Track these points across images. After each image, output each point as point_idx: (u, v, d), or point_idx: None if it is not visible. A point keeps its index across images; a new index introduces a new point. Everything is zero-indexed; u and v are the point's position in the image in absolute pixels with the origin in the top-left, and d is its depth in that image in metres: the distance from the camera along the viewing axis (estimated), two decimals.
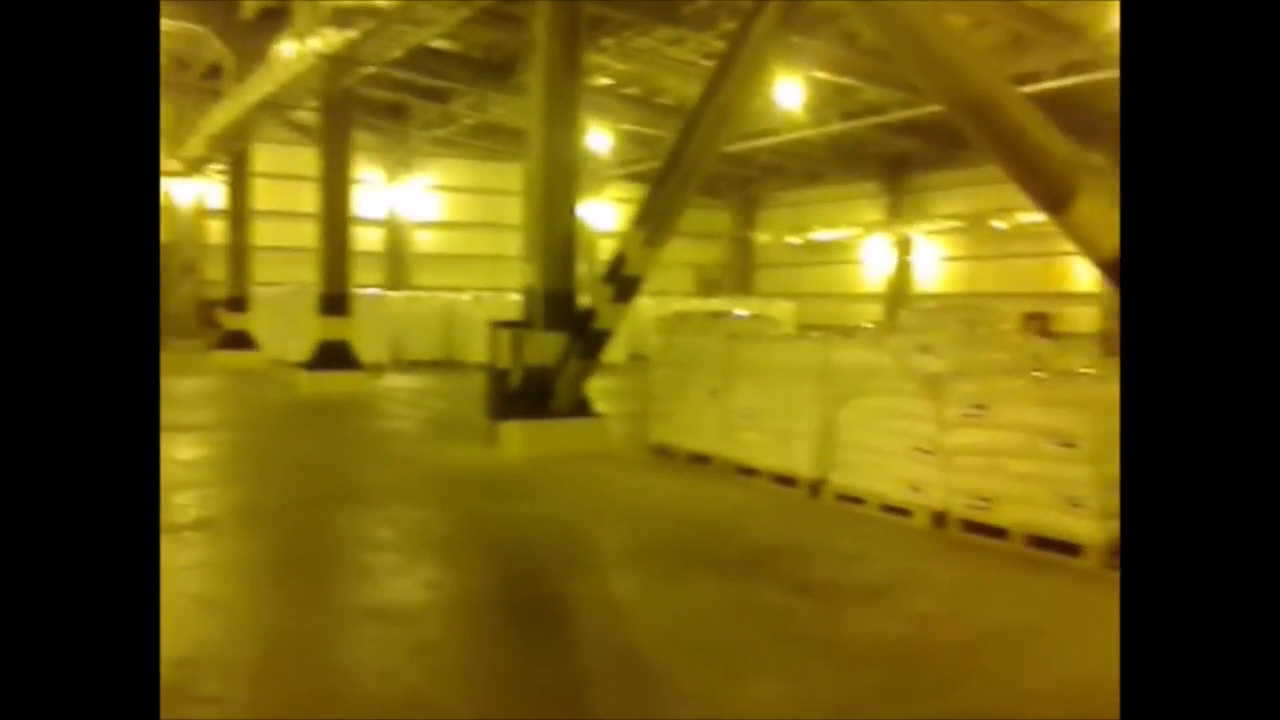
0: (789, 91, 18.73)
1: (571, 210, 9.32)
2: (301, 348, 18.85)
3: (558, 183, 9.19)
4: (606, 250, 31.09)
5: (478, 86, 22.73)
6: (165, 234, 23.80)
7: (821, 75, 18.92)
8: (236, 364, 19.36)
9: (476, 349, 21.39)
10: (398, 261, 27.90)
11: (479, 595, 5.33)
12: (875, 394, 7.19)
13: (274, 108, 16.25)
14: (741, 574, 5.58)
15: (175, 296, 23.86)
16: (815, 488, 7.59)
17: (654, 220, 8.60)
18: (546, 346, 9.13)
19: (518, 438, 9.11)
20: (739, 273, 33.15)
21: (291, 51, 13.65)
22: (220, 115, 17.80)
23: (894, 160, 27.02)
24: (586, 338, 9.01)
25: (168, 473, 8.63)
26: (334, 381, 14.64)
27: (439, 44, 20.34)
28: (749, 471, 8.28)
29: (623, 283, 8.77)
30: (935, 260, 27.44)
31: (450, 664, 4.29)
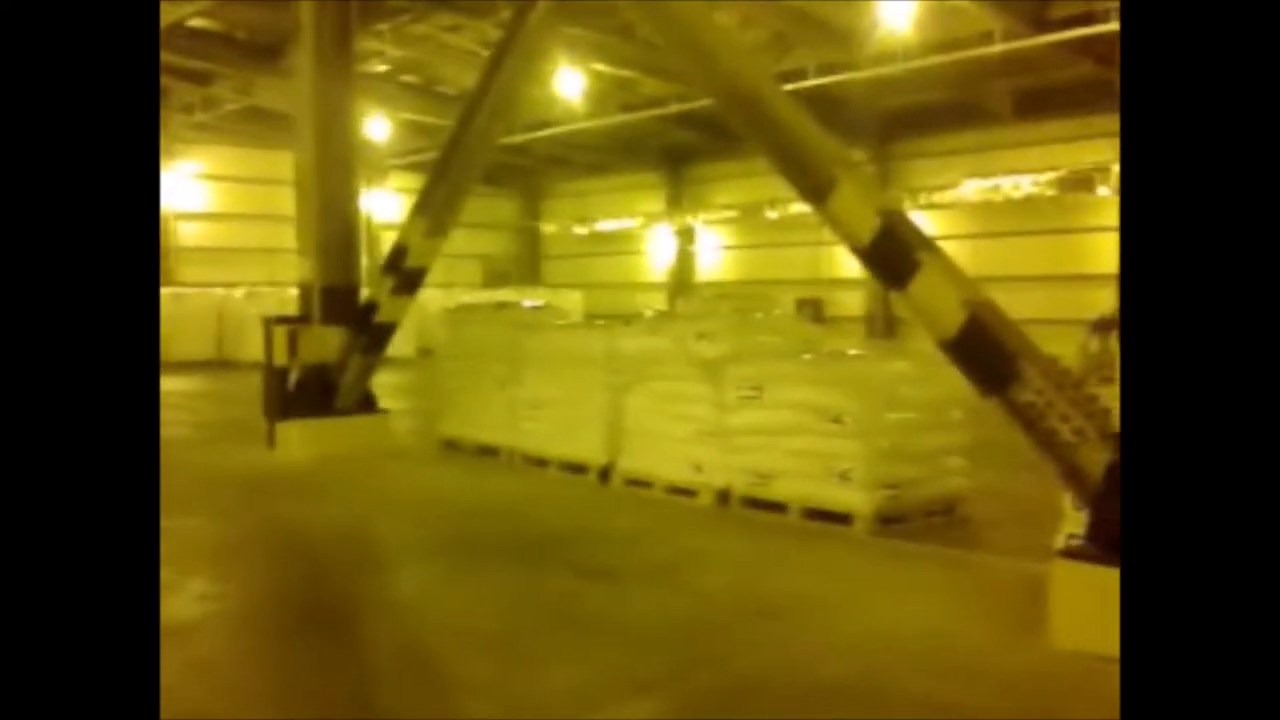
0: (569, 82, 18.86)
1: (350, 200, 9.03)
2: None
3: (333, 172, 8.86)
4: (389, 241, 30.34)
5: (242, 69, 21.56)
6: None
7: (601, 67, 19.18)
8: None
9: (252, 347, 20.46)
10: (160, 255, 26.03)
11: (258, 605, 5.10)
12: (658, 379, 7.38)
13: None
14: (531, 562, 5.61)
15: None
16: (604, 474, 7.72)
17: (435, 210, 8.44)
18: (326, 342, 8.80)
19: (299, 438, 8.75)
20: (527, 263, 33.10)
21: None
22: None
23: (674, 151, 27.71)
24: (369, 332, 8.74)
25: None
26: None
27: (199, 22, 19.15)
28: (539, 461, 8.31)
29: (405, 275, 8.56)
30: (715, 249, 28.40)
31: (231, 678, 4.09)
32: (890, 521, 6.17)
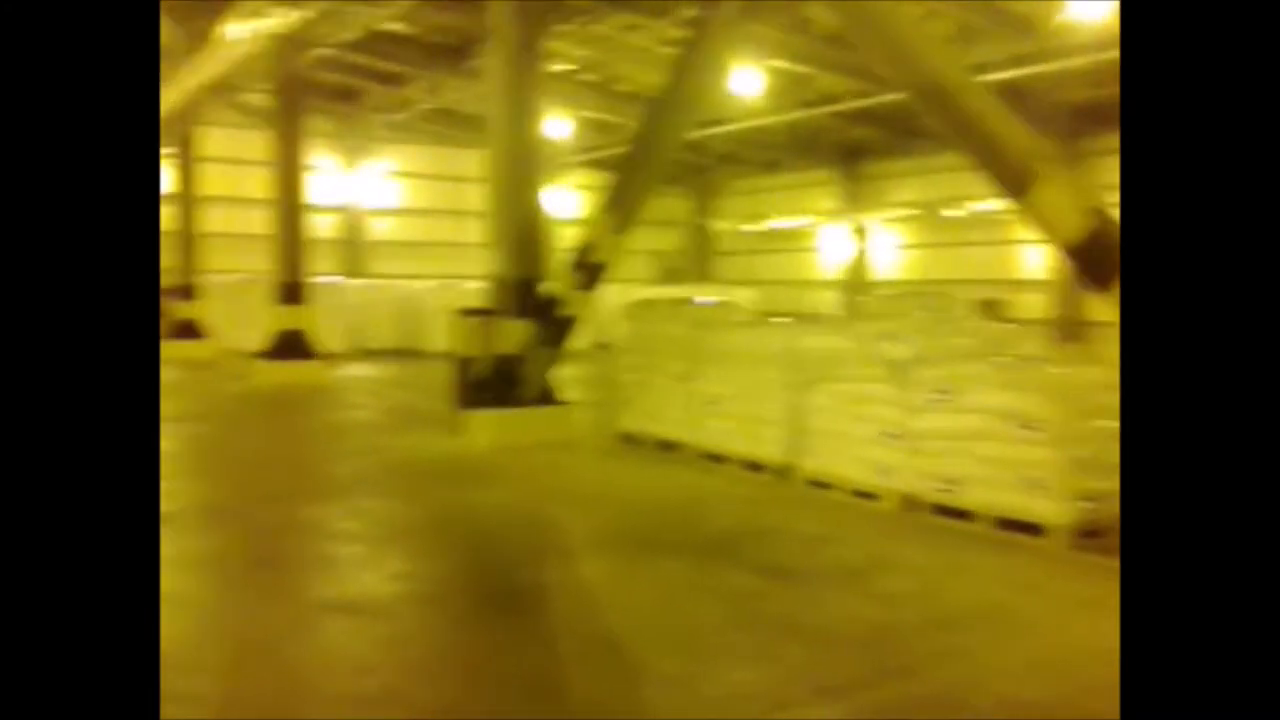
0: (746, 79, 18.75)
1: (535, 197, 9.27)
2: (255, 337, 18.60)
3: (520, 169, 9.12)
4: (565, 238, 31.02)
5: (432, 70, 22.48)
6: None
7: (778, 63, 18.98)
8: (186, 354, 19.01)
9: (437, 337, 21.38)
10: (354, 249, 27.54)
11: (448, 585, 5.32)
12: (842, 380, 7.25)
13: (223, 90, 15.88)
14: (712, 559, 5.61)
15: None
16: (784, 473, 7.65)
17: (622, 207, 8.57)
18: (513, 334, 9.08)
19: (484, 427, 9.06)
20: (698, 260, 33.19)
21: (241, 32, 13.37)
22: (168, 95, 17.37)
23: (849, 148, 27.14)
24: (552, 325, 8.97)
25: None
26: (291, 371, 14.45)
27: (393, 27, 20.09)
28: (717, 458, 8.32)
29: (590, 269, 8.74)
30: (891, 248, 27.63)
31: (423, 656, 4.27)
32: (1088, 535, 5.84)
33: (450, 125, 26.60)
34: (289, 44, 12.59)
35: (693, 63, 8.08)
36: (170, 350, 18.90)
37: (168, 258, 21.06)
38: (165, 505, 6.96)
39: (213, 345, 19.37)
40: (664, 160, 8.68)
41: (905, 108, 6.56)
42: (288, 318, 14.78)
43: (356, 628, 4.50)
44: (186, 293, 20.02)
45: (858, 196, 27.90)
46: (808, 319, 8.46)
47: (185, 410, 12.33)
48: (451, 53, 21.84)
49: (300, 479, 7.95)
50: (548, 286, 9.21)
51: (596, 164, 29.72)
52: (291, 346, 14.72)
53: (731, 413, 8.19)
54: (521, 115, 9.11)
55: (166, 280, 21.20)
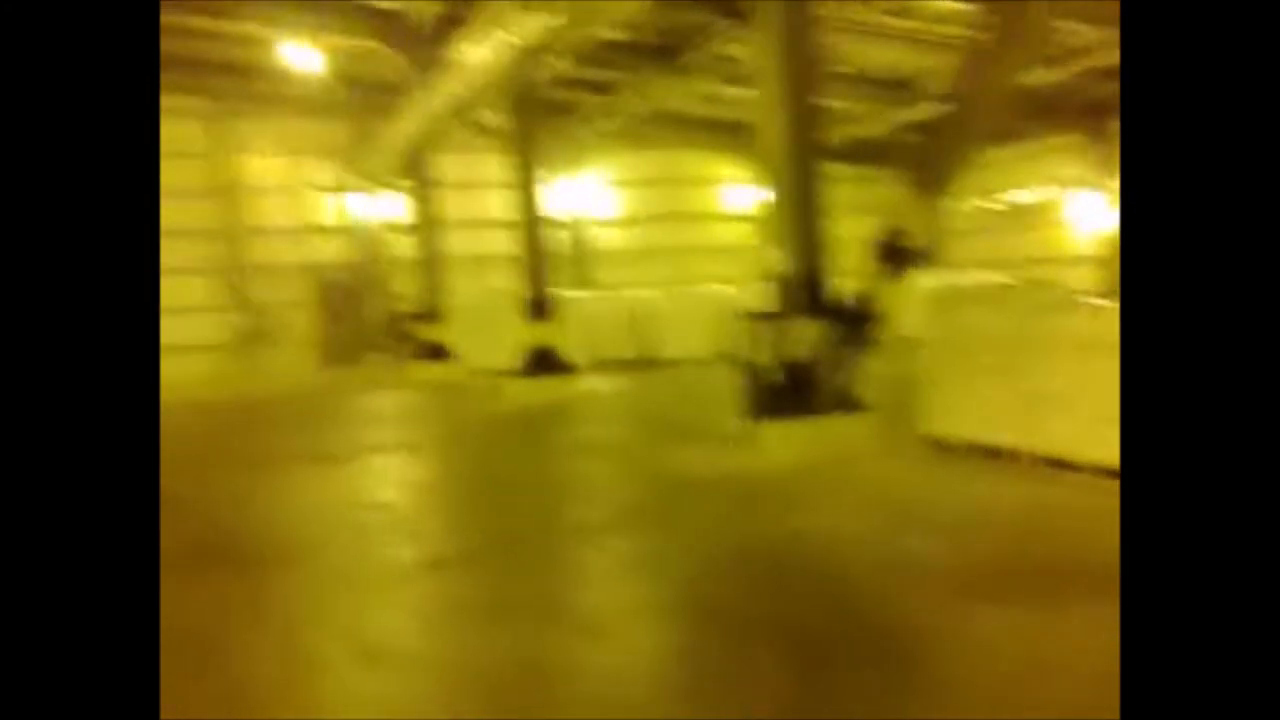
0: None
1: (817, 188, 8.38)
2: (502, 355, 18.66)
3: (804, 161, 8.26)
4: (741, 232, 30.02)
5: (642, 72, 22.00)
6: (352, 252, 24.20)
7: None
8: (434, 376, 19.32)
9: (671, 345, 20.95)
10: (580, 260, 27.55)
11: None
12: None
13: (461, 112, 15.92)
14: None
15: (366, 312, 24.15)
16: None
17: (937, 183, 7.54)
18: (805, 336, 8.22)
19: (781, 439, 8.24)
20: (927, 243, 31.34)
21: (480, 49, 13.19)
22: (404, 126, 17.67)
23: (1097, 106, 24.74)
24: (853, 323, 8.05)
25: (400, 500, 8.27)
26: (548, 388, 14.20)
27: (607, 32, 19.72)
28: (1062, 464, 7.14)
29: (899, 255, 7.77)
30: None
31: None
32: None
33: (662, 128, 26.16)
34: (531, 54, 12.28)
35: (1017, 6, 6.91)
36: (418, 373, 19.29)
37: (411, 283, 21.61)
38: (440, 545, 6.57)
39: (459, 366, 19.59)
40: (986, 123, 7.51)
41: None
42: (539, 333, 14.56)
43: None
44: (431, 315, 20.39)
45: (1111, 160, 25.38)
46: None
47: (447, 433, 12.23)
48: (660, 52, 21.30)
49: (595, 505, 7.37)
50: (854, 283, 8.25)
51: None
52: (542, 362, 14.48)
53: (1085, 413, 6.98)
54: (798, 102, 8.24)
55: (410, 305, 21.79)
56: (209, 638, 4.65)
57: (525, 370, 14.43)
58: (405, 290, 22.44)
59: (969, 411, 8.01)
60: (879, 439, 8.43)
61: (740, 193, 29.49)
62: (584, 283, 26.47)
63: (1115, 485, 6.62)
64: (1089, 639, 4.00)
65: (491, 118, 18.90)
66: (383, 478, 9.34)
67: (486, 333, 19.36)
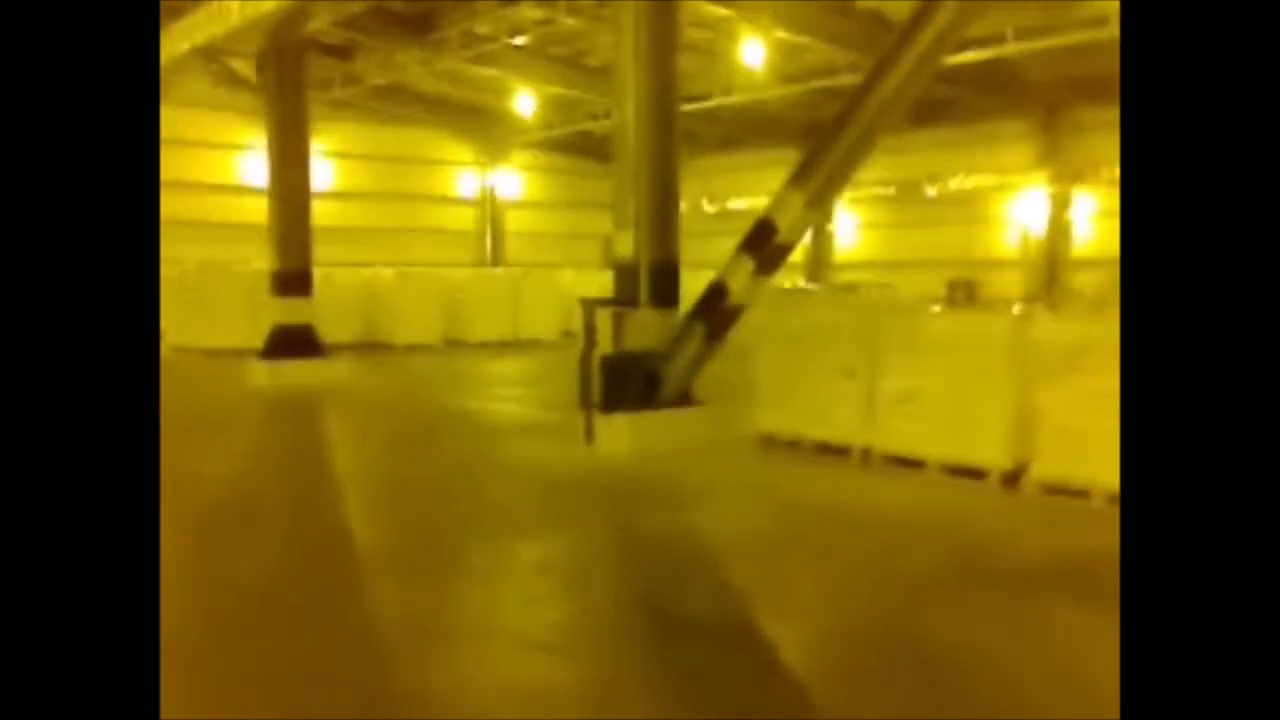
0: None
1: (674, 168, 8.13)
2: (222, 333, 16.78)
3: (659, 135, 7.97)
4: (512, 221, 29.44)
5: (390, 41, 20.76)
6: None
7: None
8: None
9: (404, 329, 19.87)
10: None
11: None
12: (1095, 373, 6.43)
13: (209, 57, 14.09)
14: (1026, 589, 4.73)
15: None
16: (1012, 478, 6.81)
17: (820, 178, 7.52)
18: (651, 327, 7.96)
19: (621, 433, 7.92)
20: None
21: None
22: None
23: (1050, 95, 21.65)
24: (715, 317, 7.87)
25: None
26: (299, 371, 12.89)
27: None
28: (907, 462, 7.42)
29: (771, 252, 7.67)
30: (1097, 214, 22.38)
31: None
32: None
33: (395, 102, 24.85)
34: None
35: (934, 19, 6.92)
36: None
37: None
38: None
39: (163, 343, 17.39)
40: (880, 127, 7.53)
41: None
42: (291, 311, 13.23)
43: None
44: None
45: (1058, 152, 22.71)
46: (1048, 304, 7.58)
47: (210, 421, 10.75)
48: (412, 24, 20.20)
49: (442, 512, 6.65)
50: (721, 273, 8.03)
51: (552, 144, 28.41)
52: (295, 343, 13.17)
53: (930, 411, 7.30)
54: (660, 76, 7.95)
55: None
56: None
57: (274, 352, 13.00)
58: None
59: (809, 410, 8.09)
60: (713, 435, 8.31)
61: (467, 177, 28.76)
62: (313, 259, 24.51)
63: (962, 482, 6.99)
64: (980, 624, 4.11)
65: (242, 66, 16.96)
66: None
67: (194, 307, 17.32)
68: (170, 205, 19.30)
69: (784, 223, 7.61)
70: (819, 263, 27.29)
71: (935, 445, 7.28)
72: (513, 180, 29.44)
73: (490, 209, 29.20)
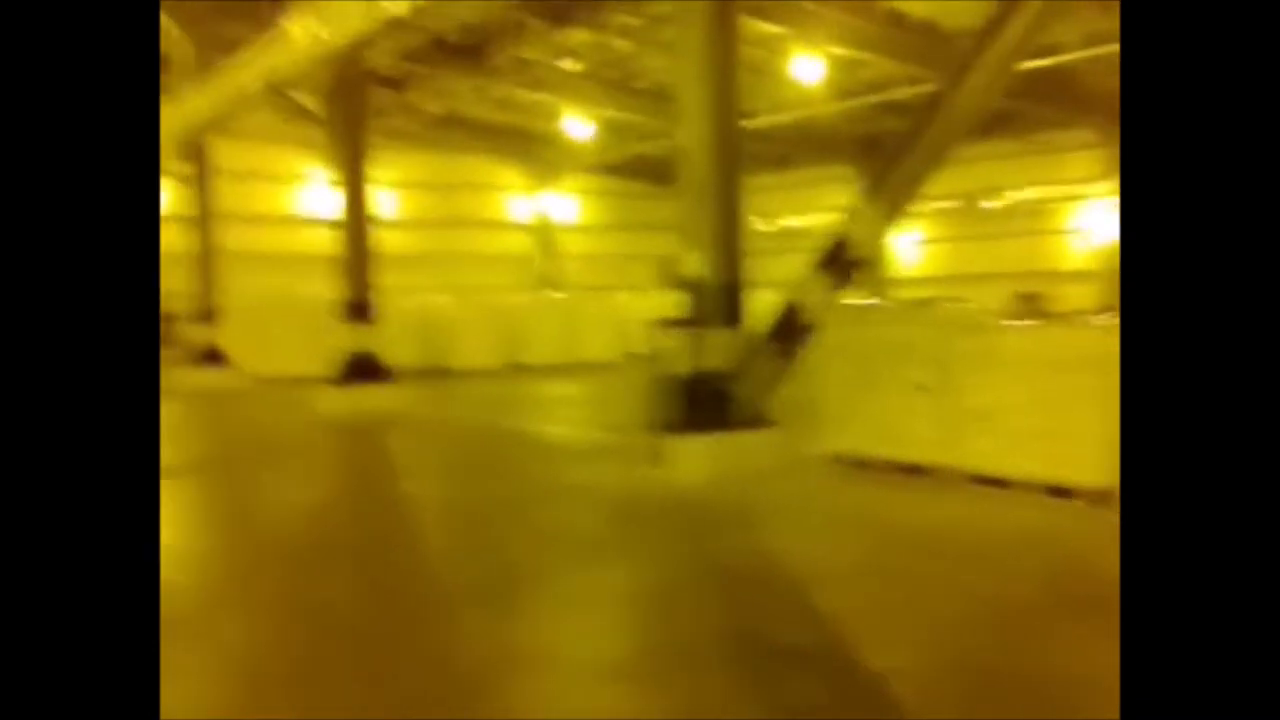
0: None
1: (737, 190, 8.08)
2: (288, 361, 17.04)
3: (722, 156, 7.92)
4: (567, 243, 29.55)
5: (443, 70, 21.02)
6: None
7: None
8: (210, 383, 17.43)
9: (464, 353, 20.05)
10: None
11: None
12: None
13: (275, 91, 14.40)
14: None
15: None
16: (1102, 497, 6.60)
17: (894, 191, 7.41)
18: (722, 347, 7.88)
19: (696, 455, 7.83)
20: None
21: (309, 23, 11.93)
22: (197, 102, 15.77)
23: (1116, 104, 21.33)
24: (786, 335, 7.78)
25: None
26: (368, 397, 13.03)
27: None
28: (990, 481, 7.23)
29: (845, 267, 7.57)
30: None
31: None
32: None
33: (450, 130, 25.15)
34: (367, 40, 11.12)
35: (1009, 27, 6.80)
36: (191, 380, 17.20)
37: (177, 280, 19.21)
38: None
39: (239, 373, 17.73)
40: (960, 130, 7.39)
41: None
42: (358, 338, 13.40)
43: None
44: (205, 317, 18.37)
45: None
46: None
47: (277, 450, 10.88)
48: (466, 52, 20.43)
49: (520, 538, 6.61)
50: (795, 291, 7.94)
51: (604, 168, 28.51)
52: (363, 369, 13.32)
53: (1009, 429, 7.12)
54: (721, 97, 7.91)
55: (180, 304, 19.37)
56: None
57: (340, 378, 13.16)
58: (175, 288, 20.03)
59: (883, 429, 7.96)
60: (787, 456, 8.17)
61: (520, 202, 28.98)
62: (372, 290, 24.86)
63: (1049, 501, 6.80)
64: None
65: (307, 100, 17.32)
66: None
67: (268, 337, 17.68)
68: (234, 237, 19.83)
69: (859, 238, 7.51)
70: (879, 278, 26.93)
71: (1018, 463, 7.09)
72: (566, 204, 29.61)
73: (545, 233, 29.37)
